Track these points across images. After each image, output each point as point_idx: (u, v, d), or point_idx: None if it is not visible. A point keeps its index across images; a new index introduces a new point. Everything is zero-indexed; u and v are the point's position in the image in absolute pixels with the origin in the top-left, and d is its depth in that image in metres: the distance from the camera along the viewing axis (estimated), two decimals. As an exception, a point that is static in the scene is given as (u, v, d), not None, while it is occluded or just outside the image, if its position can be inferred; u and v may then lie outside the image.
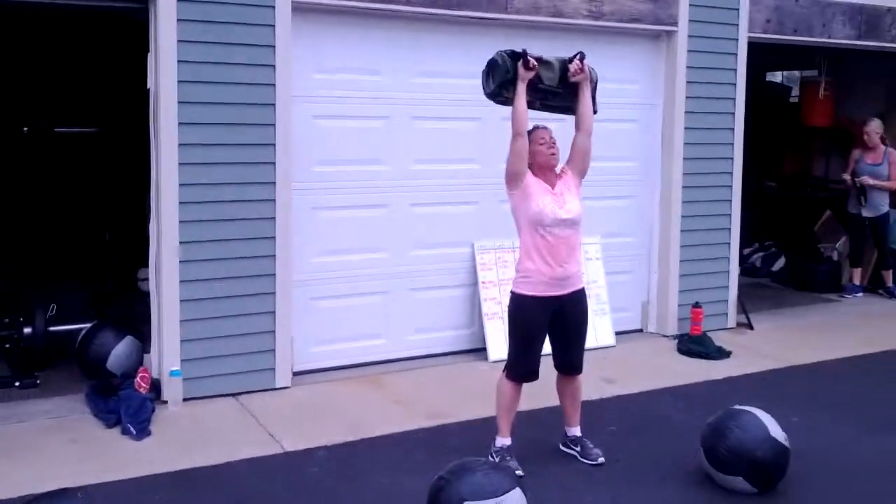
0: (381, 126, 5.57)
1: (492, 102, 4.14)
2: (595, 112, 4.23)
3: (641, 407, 4.96)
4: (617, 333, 6.40)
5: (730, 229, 6.71)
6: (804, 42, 7.16)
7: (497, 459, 3.98)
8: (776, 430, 3.79)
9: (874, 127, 7.97)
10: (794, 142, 9.46)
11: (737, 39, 6.61)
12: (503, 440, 4.05)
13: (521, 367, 4.01)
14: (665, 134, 6.44)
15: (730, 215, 6.70)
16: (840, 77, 9.06)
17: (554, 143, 4.04)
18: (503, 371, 4.09)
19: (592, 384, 5.29)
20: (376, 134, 5.55)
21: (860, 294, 7.97)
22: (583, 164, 4.16)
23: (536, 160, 4.01)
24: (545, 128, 4.09)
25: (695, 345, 6.04)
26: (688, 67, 6.39)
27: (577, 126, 4.16)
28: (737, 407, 3.94)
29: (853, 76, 9.00)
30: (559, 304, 4.00)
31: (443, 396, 5.02)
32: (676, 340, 6.25)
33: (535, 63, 3.94)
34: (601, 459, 4.10)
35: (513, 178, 3.96)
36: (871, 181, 7.87)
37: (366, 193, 5.54)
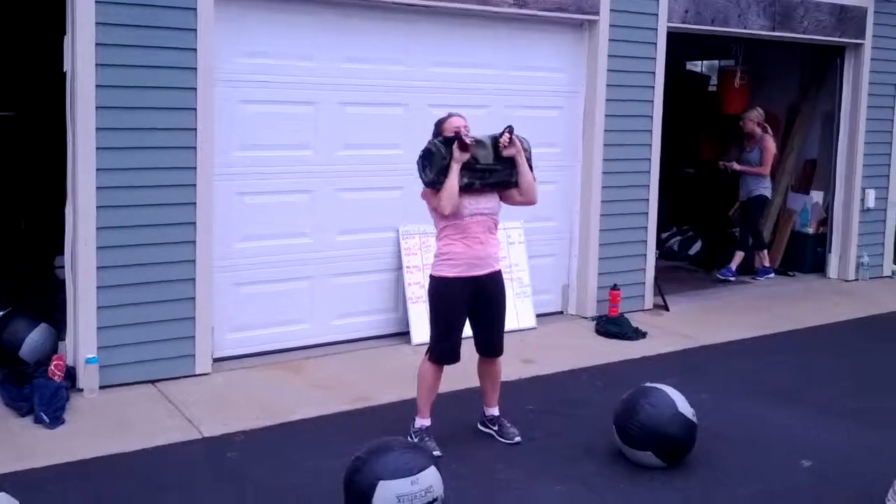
0: (308, 111, 5.56)
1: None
2: (534, 179, 4.24)
3: (559, 386, 5.10)
4: (538, 316, 6.55)
5: (647, 213, 6.91)
6: (721, 32, 7.38)
7: (416, 440, 4.06)
8: (684, 407, 3.96)
9: (750, 115, 8.26)
10: (711, 129, 9.75)
11: (656, 29, 6.79)
12: (422, 421, 4.13)
13: (442, 350, 4.09)
14: (586, 121, 6.59)
15: (647, 200, 6.90)
16: (756, 67, 9.37)
17: (468, 129, 4.08)
18: (425, 354, 4.17)
19: (512, 365, 5.42)
20: (303, 119, 5.54)
21: (772, 275, 8.30)
22: (508, 203, 4.27)
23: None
24: (459, 115, 4.15)
25: (612, 326, 6.23)
26: (609, 56, 6.53)
27: (521, 196, 4.21)
28: (648, 385, 4.11)
29: (769, 66, 9.31)
30: (478, 286, 4.09)
31: (365, 380, 5.07)
32: (595, 322, 6.43)
33: (471, 142, 3.94)
34: (517, 438, 4.22)
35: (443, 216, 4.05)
36: (736, 166, 8.22)
37: (291, 179, 5.53)
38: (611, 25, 6.52)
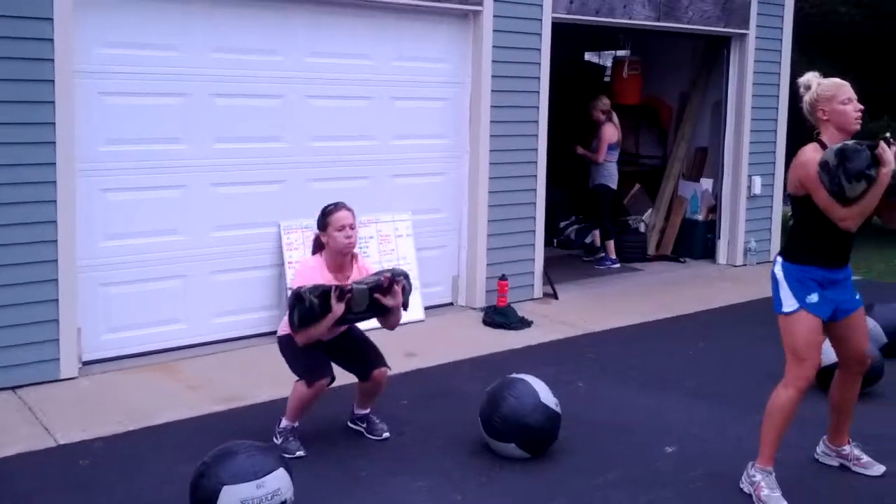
0: (177, 103, 5.39)
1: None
2: (406, 309, 4.07)
3: (438, 379, 5.09)
4: (428, 308, 6.54)
5: (535, 203, 6.95)
6: (606, 23, 7.47)
7: (280, 440, 3.99)
8: (547, 397, 3.98)
9: (594, 103, 8.45)
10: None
11: (541, 20, 6.82)
12: (288, 421, 4.05)
13: (313, 378, 3.91)
14: (473, 112, 6.59)
15: (535, 190, 6.94)
16: (649, 57, 9.54)
17: (353, 228, 4.01)
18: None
19: (394, 359, 5.31)
20: (172, 112, 5.36)
21: (617, 265, 8.36)
22: None
23: (330, 245, 3.98)
24: (347, 208, 4.05)
25: (498, 316, 6.26)
26: (493, 47, 6.54)
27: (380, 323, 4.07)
28: (512, 376, 4.12)
29: (661, 56, 9.49)
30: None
31: (240, 380, 4.97)
32: (483, 313, 6.45)
33: (350, 294, 3.76)
34: (386, 434, 4.19)
35: None
36: (579, 150, 8.44)
37: (161, 174, 5.36)
38: (495, 16, 6.53)
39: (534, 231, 6.99)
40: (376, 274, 3.96)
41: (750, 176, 8.52)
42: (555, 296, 7.06)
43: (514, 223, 6.83)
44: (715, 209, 8.78)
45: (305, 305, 3.73)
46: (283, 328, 4.02)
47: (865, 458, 3.92)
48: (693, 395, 4.89)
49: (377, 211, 6.25)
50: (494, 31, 6.53)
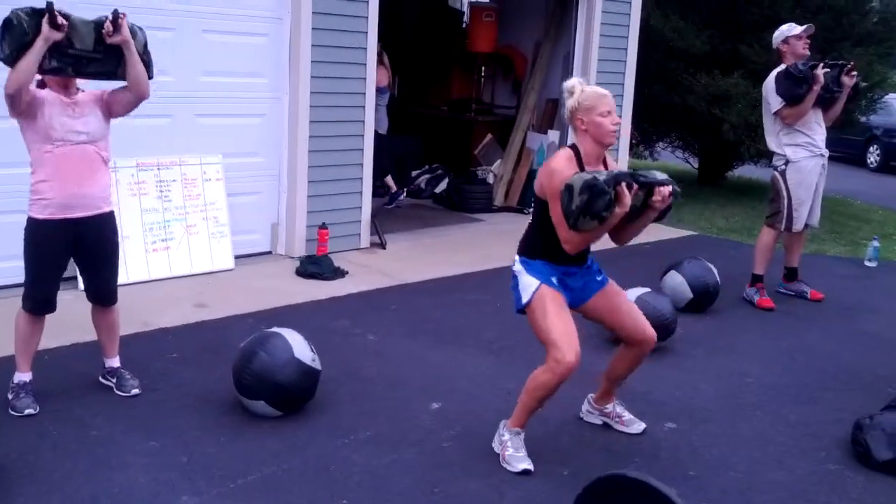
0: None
1: None
2: (150, 77, 3.77)
3: (219, 332, 4.82)
4: (245, 256, 6.26)
5: (363, 150, 6.69)
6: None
7: (11, 396, 3.68)
8: (302, 352, 3.77)
9: None
10: (461, 67, 9.66)
11: (370, -47, 6.50)
12: (21, 376, 3.74)
13: (34, 299, 3.69)
14: (293, 50, 6.23)
15: (362, 136, 6.67)
16: (504, 3, 9.33)
17: None
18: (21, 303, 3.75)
19: (183, 309, 5.13)
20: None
21: (402, 195, 8.42)
22: (120, 110, 3.80)
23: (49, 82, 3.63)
24: None
25: (312, 265, 6.01)
26: (314, -20, 6.18)
27: (130, 92, 3.73)
28: (269, 330, 3.89)
29: (515, 3, 9.30)
30: (78, 230, 3.69)
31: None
32: (299, 262, 6.20)
33: (65, 21, 3.40)
34: (135, 391, 3.92)
35: (12, 103, 3.49)
36: None
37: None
38: (317, -53, 6.16)
39: (361, 178, 6.74)
40: None
41: (595, 129, 8.44)
42: (382, 245, 6.86)
43: (338, 170, 6.56)
44: (562, 162, 8.70)
45: (14, 24, 3.35)
46: (29, 207, 3.68)
47: (627, 416, 3.88)
48: (483, 350, 4.79)
49: (181, 152, 5.87)
50: (315, -37, 6.16)
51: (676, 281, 5.69)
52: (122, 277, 5.39)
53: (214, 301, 5.30)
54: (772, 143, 5.89)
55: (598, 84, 8.24)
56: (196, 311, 5.11)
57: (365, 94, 6.62)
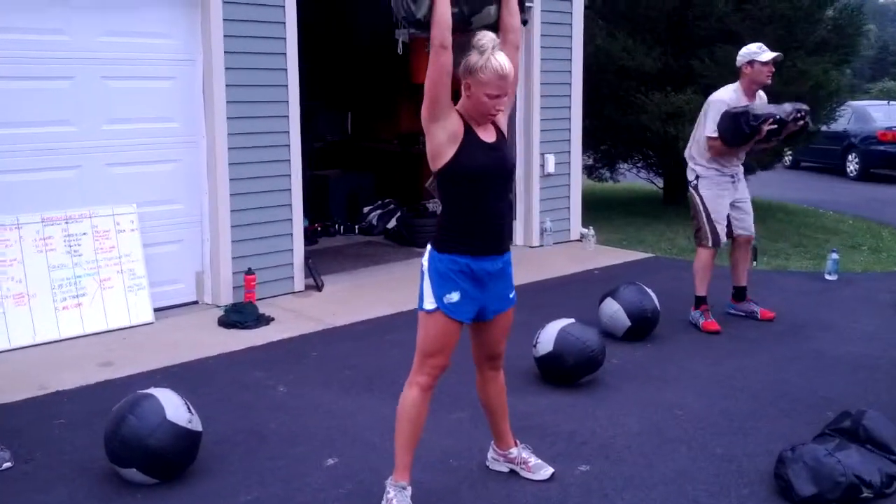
0: None
1: None
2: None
3: (120, 393, 4.39)
4: (169, 308, 6.01)
5: (290, 190, 6.45)
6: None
7: None
8: (177, 414, 3.49)
9: None
10: (409, 99, 9.46)
11: (282, -13, 6.31)
12: None
13: None
14: (206, 92, 6.02)
15: (290, 176, 6.44)
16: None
17: None
18: None
19: (85, 370, 4.86)
20: None
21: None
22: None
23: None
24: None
25: (234, 314, 5.75)
26: (224, 20, 5.97)
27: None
28: (141, 392, 3.62)
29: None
30: None
31: None
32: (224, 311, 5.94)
33: None
34: (7, 464, 3.63)
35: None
36: None
37: None
38: (226, -15, 5.97)
39: (291, 219, 6.49)
40: None
41: (542, 154, 8.24)
42: (318, 288, 6.60)
43: (264, 212, 6.32)
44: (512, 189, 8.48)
45: None
46: None
47: (534, 461, 3.59)
48: (397, 396, 4.47)
49: (91, 204, 5.64)
50: (224, 2, 5.95)
51: (613, 309, 5.42)
52: (29, 338, 5.22)
53: (122, 359, 5.03)
54: (692, 150, 5.74)
55: (543, 108, 8.15)
56: (99, 370, 4.83)
57: (289, 132, 6.39)
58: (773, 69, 5.53)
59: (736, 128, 5.42)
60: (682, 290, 6.12)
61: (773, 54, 5.50)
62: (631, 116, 9.71)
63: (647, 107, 9.46)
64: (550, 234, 8.29)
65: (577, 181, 8.63)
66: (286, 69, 6.33)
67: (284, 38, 6.29)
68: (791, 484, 3.30)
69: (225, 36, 5.97)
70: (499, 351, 3.41)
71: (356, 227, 9.01)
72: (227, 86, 6.01)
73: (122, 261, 5.71)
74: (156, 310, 5.86)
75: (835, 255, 7.24)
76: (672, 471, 3.64)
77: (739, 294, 6.00)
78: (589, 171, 11.34)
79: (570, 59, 8.37)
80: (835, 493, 3.25)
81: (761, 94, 5.72)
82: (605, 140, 10.73)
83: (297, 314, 5.99)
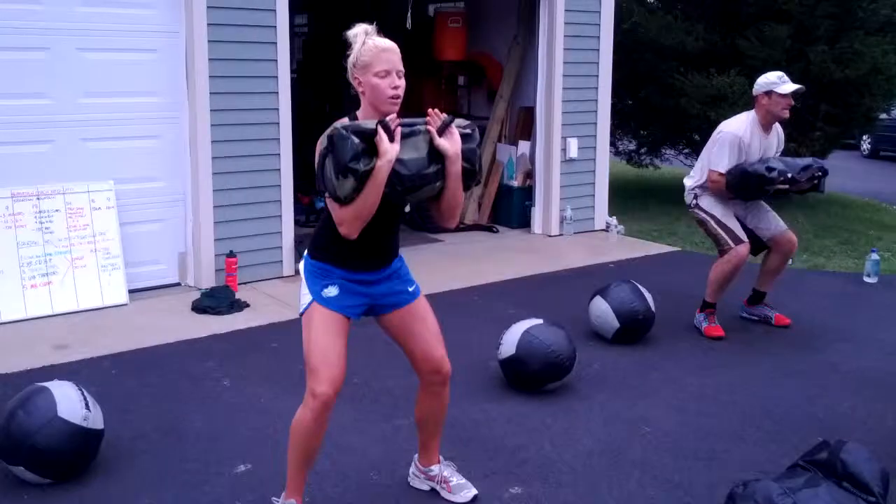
0: None
1: None
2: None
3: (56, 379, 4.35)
4: (148, 289, 5.84)
5: (279, 170, 6.17)
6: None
7: None
8: (70, 409, 3.25)
9: None
10: (433, 77, 9.07)
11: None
12: None
13: None
14: (189, 66, 5.78)
15: (279, 155, 6.15)
16: (474, 8, 8.74)
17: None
18: None
19: (37, 352, 4.70)
20: None
21: None
22: None
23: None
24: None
25: (207, 299, 5.51)
26: (209, -10, 5.72)
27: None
28: (36, 385, 3.39)
29: (486, 7, 8.70)
30: None
31: None
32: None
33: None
34: None
35: None
36: None
37: None
38: (211, -47, 5.69)
39: (279, 201, 6.21)
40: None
41: (564, 138, 7.75)
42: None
43: (250, 192, 6.06)
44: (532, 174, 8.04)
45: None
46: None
47: (455, 481, 3.23)
48: (342, 397, 4.13)
49: (66, 180, 5.48)
50: (210, -30, 5.70)
51: (601, 309, 4.97)
52: (-12, 316, 5.08)
53: (79, 342, 4.85)
54: (696, 173, 5.19)
55: (566, 88, 7.65)
56: (51, 353, 4.66)
57: (278, 109, 6.10)
58: (793, 102, 4.91)
59: (745, 186, 4.95)
60: (696, 289, 5.59)
61: (795, 86, 4.87)
62: (670, 99, 9.10)
63: (686, 89, 8.84)
64: (571, 222, 7.81)
65: (603, 167, 8.10)
66: (276, 43, 6.03)
67: (274, 10, 5.99)
68: (737, 526, 2.85)
69: (209, 7, 5.70)
70: (435, 355, 3.00)
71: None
72: (210, 59, 5.76)
73: (96, 239, 5.54)
74: (135, 291, 5.69)
75: (875, 256, 6.58)
76: (614, 499, 3.22)
77: (756, 297, 5.45)
78: (629, 156, 10.76)
79: (598, 37, 7.84)
80: (786, 542, 2.78)
81: (778, 128, 5.12)
82: (647, 124, 10.13)
83: (274, 300, 5.73)
